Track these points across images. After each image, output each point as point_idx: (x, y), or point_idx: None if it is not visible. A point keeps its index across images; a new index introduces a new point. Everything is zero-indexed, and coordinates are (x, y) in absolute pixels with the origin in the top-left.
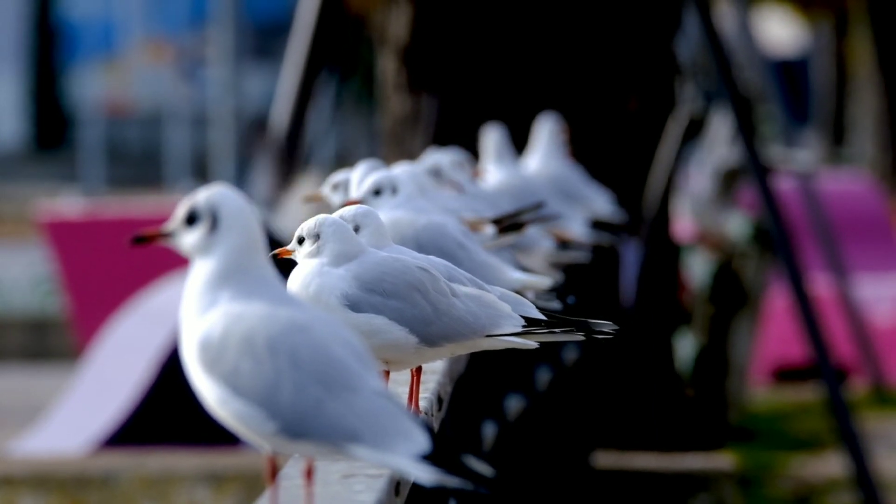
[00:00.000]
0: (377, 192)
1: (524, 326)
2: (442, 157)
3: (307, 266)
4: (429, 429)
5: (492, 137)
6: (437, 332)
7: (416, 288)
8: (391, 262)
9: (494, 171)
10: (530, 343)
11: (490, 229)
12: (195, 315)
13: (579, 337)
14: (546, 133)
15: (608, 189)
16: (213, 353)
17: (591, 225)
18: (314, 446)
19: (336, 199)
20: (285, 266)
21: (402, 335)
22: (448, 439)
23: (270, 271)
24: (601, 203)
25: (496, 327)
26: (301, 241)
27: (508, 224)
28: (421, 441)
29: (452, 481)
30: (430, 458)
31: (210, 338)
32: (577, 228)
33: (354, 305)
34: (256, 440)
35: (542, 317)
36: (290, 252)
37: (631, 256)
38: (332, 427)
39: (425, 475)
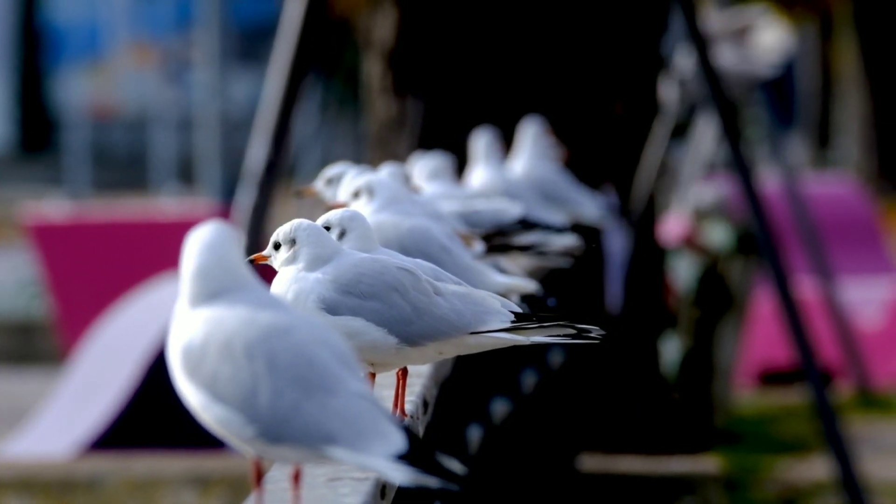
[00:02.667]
0: (356, 195)
1: (513, 322)
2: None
3: (285, 273)
4: (406, 429)
5: (481, 141)
6: (417, 332)
7: (395, 288)
8: (368, 263)
9: (482, 173)
10: (519, 339)
11: (479, 245)
12: (178, 322)
13: (569, 331)
14: (531, 136)
15: (595, 192)
16: (194, 359)
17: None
18: (293, 450)
19: (329, 193)
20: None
21: (380, 336)
22: (425, 440)
23: (252, 280)
24: (589, 207)
25: (482, 324)
26: (277, 246)
27: (498, 244)
28: (398, 441)
29: (428, 481)
30: (407, 459)
31: (192, 344)
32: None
33: (332, 308)
34: (239, 444)
35: (531, 314)
36: (266, 258)
37: (617, 259)
38: (309, 430)
39: (401, 475)
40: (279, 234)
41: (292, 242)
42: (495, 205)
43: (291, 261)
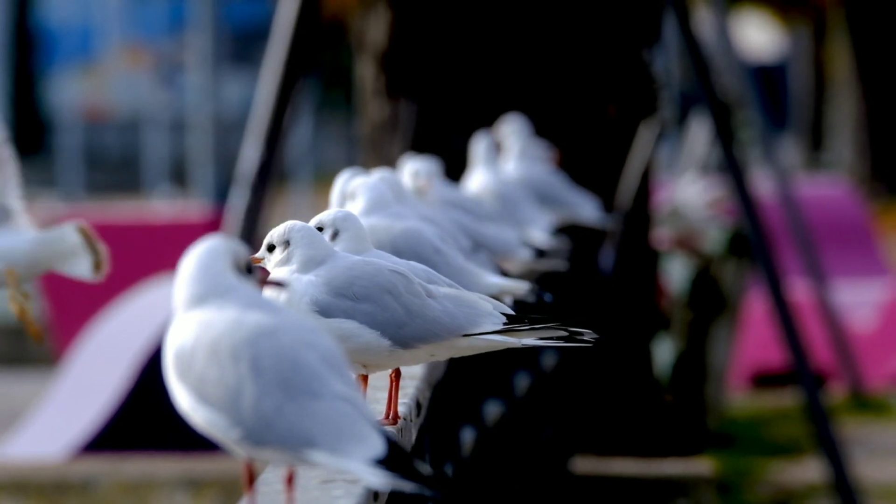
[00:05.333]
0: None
1: (505, 324)
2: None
3: (278, 275)
4: (385, 434)
5: (481, 144)
6: (410, 334)
7: (388, 290)
8: (361, 266)
9: (480, 176)
10: (511, 341)
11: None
12: (173, 326)
13: (561, 333)
14: (519, 136)
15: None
16: (184, 362)
17: (558, 232)
18: (277, 453)
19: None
20: None
21: (373, 338)
22: (403, 444)
23: (241, 285)
24: (585, 208)
25: (475, 326)
26: (271, 248)
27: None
28: (376, 445)
29: (405, 485)
30: (385, 463)
31: (182, 347)
32: (540, 235)
33: (325, 311)
34: (228, 446)
35: (523, 316)
36: (259, 260)
37: (609, 262)
38: (290, 433)
39: (378, 479)
40: (273, 235)
41: (286, 244)
42: (503, 234)
43: (285, 262)
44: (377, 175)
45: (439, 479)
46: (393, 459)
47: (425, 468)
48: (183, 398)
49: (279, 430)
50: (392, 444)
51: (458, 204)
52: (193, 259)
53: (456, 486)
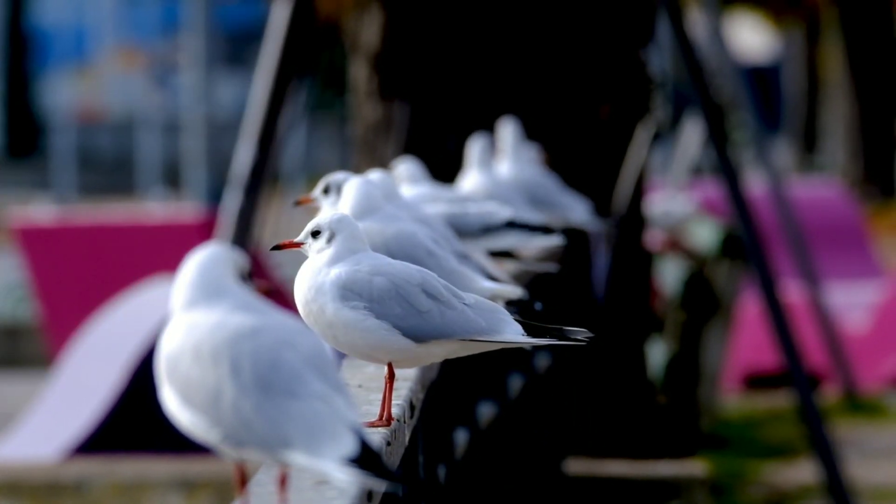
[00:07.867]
0: (326, 191)
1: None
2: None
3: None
4: (358, 433)
5: (477, 146)
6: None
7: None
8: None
9: (473, 177)
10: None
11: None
12: (167, 329)
13: (556, 335)
14: (511, 138)
15: (583, 197)
16: (171, 364)
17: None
18: (257, 452)
19: (327, 202)
20: None
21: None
22: (374, 443)
23: (235, 289)
24: (578, 211)
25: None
26: (315, 234)
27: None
28: (349, 445)
29: (375, 483)
30: (358, 462)
31: (171, 349)
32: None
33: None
34: (215, 447)
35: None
36: (300, 244)
37: (602, 264)
38: (268, 433)
39: (349, 478)
40: (320, 221)
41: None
42: (484, 207)
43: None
44: (364, 177)
45: (409, 477)
46: (365, 458)
47: (393, 466)
48: (170, 400)
49: (257, 430)
50: (364, 443)
51: (439, 197)
52: (192, 265)
53: (430, 484)
